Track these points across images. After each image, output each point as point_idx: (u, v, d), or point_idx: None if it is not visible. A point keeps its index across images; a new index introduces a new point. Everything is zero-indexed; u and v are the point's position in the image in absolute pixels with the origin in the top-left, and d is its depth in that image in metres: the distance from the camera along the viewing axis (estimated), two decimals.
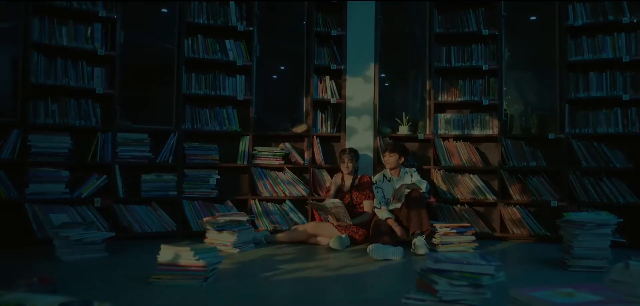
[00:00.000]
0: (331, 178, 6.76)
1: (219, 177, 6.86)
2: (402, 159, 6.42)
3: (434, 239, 5.82)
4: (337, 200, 6.14)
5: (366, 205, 6.39)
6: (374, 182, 6.35)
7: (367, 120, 7.01)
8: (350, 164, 6.33)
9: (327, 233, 6.10)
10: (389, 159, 6.33)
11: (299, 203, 7.04)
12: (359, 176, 6.55)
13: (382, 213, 6.07)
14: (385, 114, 7.40)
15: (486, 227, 6.92)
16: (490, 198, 6.92)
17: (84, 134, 6.33)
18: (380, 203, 6.21)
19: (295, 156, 7.04)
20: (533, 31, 7.26)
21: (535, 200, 6.84)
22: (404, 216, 6.03)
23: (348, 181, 6.52)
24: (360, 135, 7.06)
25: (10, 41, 5.96)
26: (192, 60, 6.82)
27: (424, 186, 6.15)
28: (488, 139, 7.20)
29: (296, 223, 6.73)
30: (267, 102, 7.18)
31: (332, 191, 6.35)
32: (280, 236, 6.26)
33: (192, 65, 6.91)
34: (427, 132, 7.16)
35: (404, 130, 7.16)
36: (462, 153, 7.08)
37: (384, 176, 6.43)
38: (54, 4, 6.21)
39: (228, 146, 7.04)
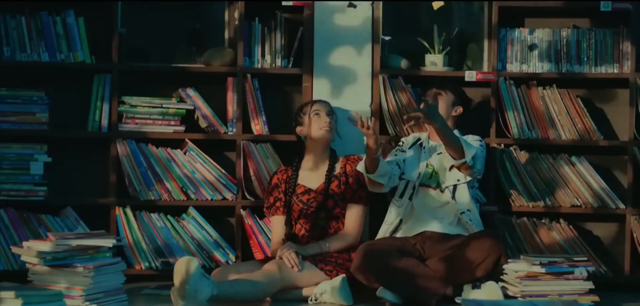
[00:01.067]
0: (273, 174, 4.72)
1: (49, 160, 4.92)
2: (459, 110, 4.64)
3: (505, 282, 4.35)
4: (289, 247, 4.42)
5: (352, 216, 4.51)
6: (401, 142, 4.72)
7: (359, 44, 4.90)
8: (331, 120, 4.63)
9: (306, 279, 4.40)
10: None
11: (217, 215, 4.95)
12: (342, 159, 4.68)
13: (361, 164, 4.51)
14: (398, 32, 5.55)
15: (603, 264, 4.86)
16: (614, 205, 4.91)
17: None
18: (387, 169, 4.41)
19: (208, 117, 4.94)
20: None
21: None
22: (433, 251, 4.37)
23: (316, 174, 4.64)
24: (345, 74, 4.90)
25: None
26: None
27: (471, 154, 4.36)
28: (612, 83, 5.12)
29: (219, 261, 4.83)
30: (147, 6, 5.45)
31: (275, 230, 4.59)
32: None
33: None
34: (485, 69, 4.93)
35: (435, 62, 4.94)
36: (558, 113, 5.03)
37: (418, 140, 4.70)
38: None
39: (67, 94, 5.11)
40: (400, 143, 4.59)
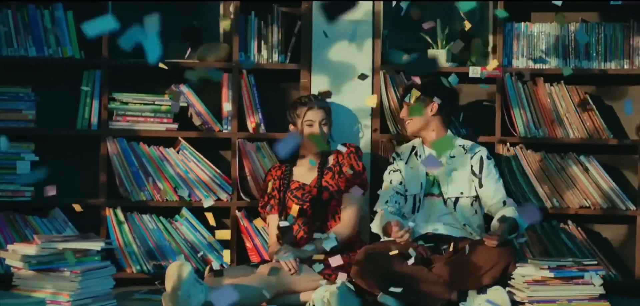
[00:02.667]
0: (267, 171, 4.73)
1: (36, 158, 4.86)
2: (434, 107, 4.46)
3: (512, 286, 4.28)
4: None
5: (348, 206, 4.54)
6: (393, 157, 4.66)
7: (359, 39, 4.88)
8: (323, 127, 4.56)
9: (304, 282, 4.35)
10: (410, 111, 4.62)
11: (212, 216, 4.61)
12: (335, 151, 4.66)
13: (377, 223, 4.38)
14: (400, 27, 5.44)
15: (612, 267, 4.79)
16: (624, 206, 4.84)
17: None
18: (385, 203, 4.46)
19: (202, 114, 4.85)
20: None
21: None
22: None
23: (311, 169, 4.66)
24: (345, 70, 4.84)
25: None
26: None
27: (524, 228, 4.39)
28: (622, 79, 4.99)
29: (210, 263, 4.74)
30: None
31: (272, 231, 4.55)
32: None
33: None
34: (490, 65, 4.81)
35: (438, 57, 4.91)
36: (566, 111, 4.93)
37: (413, 148, 4.62)
38: None
39: (55, 91, 4.99)
40: (394, 155, 4.53)
